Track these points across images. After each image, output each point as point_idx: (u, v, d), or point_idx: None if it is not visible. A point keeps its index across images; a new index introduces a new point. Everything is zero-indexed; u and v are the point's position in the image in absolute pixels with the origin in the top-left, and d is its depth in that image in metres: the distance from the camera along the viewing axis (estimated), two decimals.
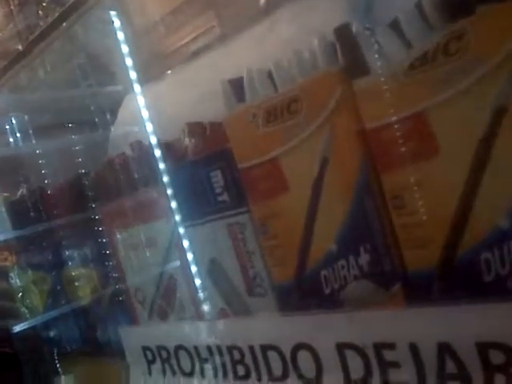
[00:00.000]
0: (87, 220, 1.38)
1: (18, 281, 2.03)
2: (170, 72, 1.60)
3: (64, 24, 1.35)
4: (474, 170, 0.67)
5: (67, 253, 1.63)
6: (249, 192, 0.95)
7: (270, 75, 0.91)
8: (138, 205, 1.17)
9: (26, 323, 1.94)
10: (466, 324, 0.68)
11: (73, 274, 1.59)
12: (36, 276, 1.90)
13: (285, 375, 0.93)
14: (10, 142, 2.33)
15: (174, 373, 1.16)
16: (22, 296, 2.00)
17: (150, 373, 1.23)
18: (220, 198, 1.00)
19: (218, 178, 0.99)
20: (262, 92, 0.91)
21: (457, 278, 0.72)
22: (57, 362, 1.86)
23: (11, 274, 2.03)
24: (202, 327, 1.09)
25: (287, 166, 0.88)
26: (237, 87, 0.94)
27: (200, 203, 1.04)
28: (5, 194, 2.17)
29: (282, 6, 1.11)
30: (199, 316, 1.10)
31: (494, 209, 0.67)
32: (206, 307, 1.08)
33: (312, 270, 0.87)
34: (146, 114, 1.32)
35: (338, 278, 0.84)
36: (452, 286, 0.73)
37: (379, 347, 0.78)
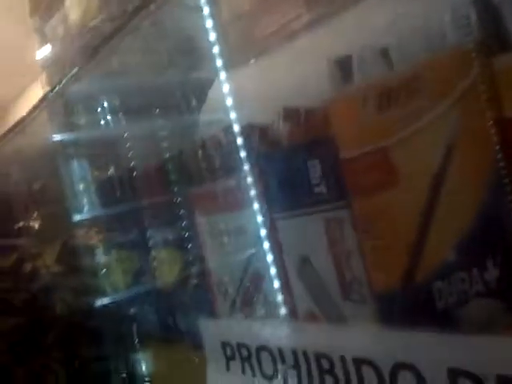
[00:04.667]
0: (175, 203, 1.34)
1: (102, 258, 2.07)
2: (263, 56, 1.52)
3: (151, 7, 1.31)
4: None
5: (155, 235, 1.62)
6: (350, 185, 0.84)
7: (384, 52, 0.79)
8: (227, 191, 1.10)
9: (108, 299, 1.97)
10: None
11: (160, 255, 1.57)
12: (122, 255, 1.92)
13: None
14: (101, 124, 2.38)
15: (253, 374, 1.08)
16: (105, 273, 2.04)
17: (227, 368, 1.17)
18: (317, 190, 0.90)
19: (315, 167, 0.89)
20: (374, 72, 0.79)
21: None
22: (136, 339, 1.87)
23: (96, 251, 2.07)
24: (289, 329, 1.00)
25: (399, 158, 0.76)
26: (344, 67, 0.83)
27: (294, 194, 0.95)
28: (95, 173, 2.22)
29: None
30: (285, 317, 1.02)
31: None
32: (293, 308, 0.99)
33: (423, 280, 0.75)
34: (234, 100, 1.24)
35: (456, 292, 0.71)
36: None
37: (503, 381, 0.65)
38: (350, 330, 0.87)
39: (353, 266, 0.86)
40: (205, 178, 1.16)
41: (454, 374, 0.71)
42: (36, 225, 2.45)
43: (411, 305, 0.77)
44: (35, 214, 2.67)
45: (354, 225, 0.85)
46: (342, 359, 0.87)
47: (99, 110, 2.39)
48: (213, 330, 1.21)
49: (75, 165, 2.22)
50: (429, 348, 0.74)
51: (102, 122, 2.38)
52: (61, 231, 2.24)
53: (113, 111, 2.38)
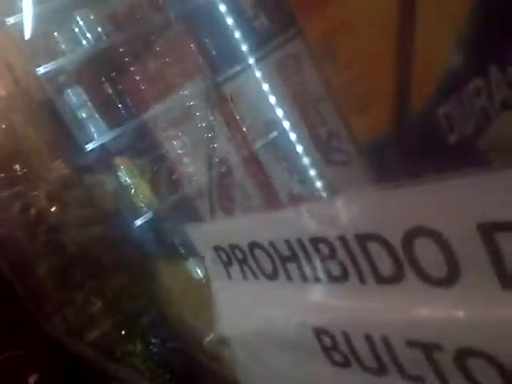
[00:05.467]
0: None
1: (127, 179, 1.95)
2: None
3: None
4: None
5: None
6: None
7: None
8: (156, 66, 0.85)
9: (143, 217, 1.86)
10: None
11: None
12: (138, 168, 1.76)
13: (398, 274, 0.61)
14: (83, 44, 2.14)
15: (255, 276, 0.90)
16: (134, 192, 1.93)
17: (229, 276, 0.99)
18: (256, 24, 0.63)
19: None
20: None
21: None
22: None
23: (120, 174, 1.94)
24: (274, 218, 0.80)
25: None
26: None
27: (231, 43, 0.68)
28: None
29: None
30: (268, 204, 0.80)
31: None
32: (273, 193, 0.77)
33: (422, 108, 0.50)
34: None
35: (472, 113, 0.46)
36: None
37: None
38: (343, 201, 0.65)
39: (326, 116, 0.62)
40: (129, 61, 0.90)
41: (488, 229, 0.49)
42: (19, 169, 2.29)
43: (411, 148, 0.53)
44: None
45: (314, 56, 0.59)
46: (342, 239, 0.66)
47: (76, 29, 2.15)
48: (201, 235, 1.02)
49: (70, 94, 2.03)
50: (448, 201, 0.51)
51: (84, 42, 2.15)
52: (45, 171, 2.08)
53: (90, 26, 2.15)
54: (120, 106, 1.97)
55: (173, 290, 1.53)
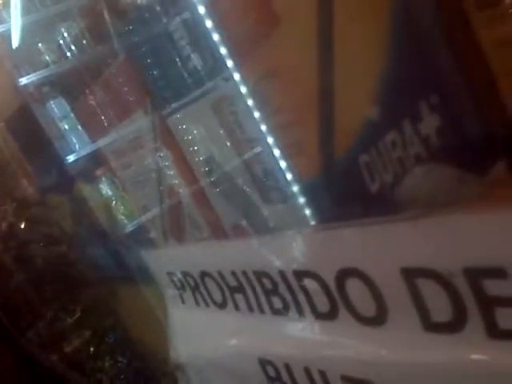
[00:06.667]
0: None
1: (108, 191, 1.93)
2: None
3: None
4: None
5: None
6: (229, 40, 0.58)
7: None
8: (105, 99, 0.85)
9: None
10: None
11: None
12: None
13: (333, 311, 0.62)
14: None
15: (206, 304, 0.90)
16: (115, 204, 1.91)
17: (182, 301, 0.99)
18: (191, 64, 0.63)
19: (180, 29, 0.62)
20: None
21: None
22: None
23: (101, 186, 1.92)
24: (221, 249, 0.80)
25: None
26: None
27: (171, 78, 0.69)
28: None
29: None
30: (215, 235, 0.81)
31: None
32: (219, 223, 0.77)
33: (344, 156, 0.51)
34: None
35: (389, 163, 0.47)
36: None
37: (472, 273, 0.44)
38: (281, 238, 0.65)
39: (261, 155, 0.62)
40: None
41: (409, 273, 0.50)
42: None
43: (338, 192, 0.54)
44: None
45: (250, 98, 0.59)
46: (282, 274, 0.67)
47: (61, 41, 2.13)
48: (155, 262, 1.02)
49: (53, 105, 2.00)
50: (372, 245, 0.52)
51: (69, 54, 2.13)
52: (12, 187, 2.04)
53: (75, 38, 2.13)
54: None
55: (134, 312, 1.52)
